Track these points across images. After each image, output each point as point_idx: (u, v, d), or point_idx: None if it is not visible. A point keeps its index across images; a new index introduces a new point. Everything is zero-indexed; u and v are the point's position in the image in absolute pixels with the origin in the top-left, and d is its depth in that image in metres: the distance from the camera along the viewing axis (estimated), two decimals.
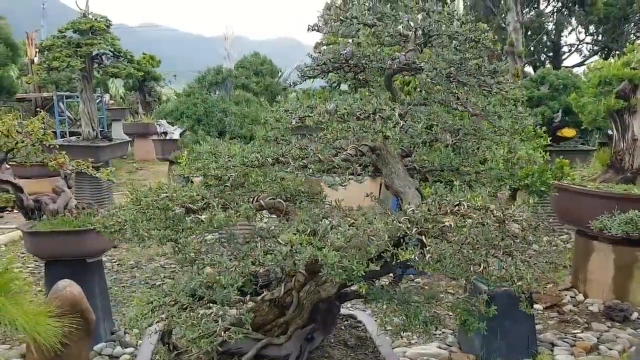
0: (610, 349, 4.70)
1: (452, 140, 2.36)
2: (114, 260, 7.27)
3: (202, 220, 2.17)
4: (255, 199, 2.50)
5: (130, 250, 7.49)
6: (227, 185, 2.40)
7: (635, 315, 5.33)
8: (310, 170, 2.28)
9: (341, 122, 2.25)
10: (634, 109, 5.85)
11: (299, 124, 2.30)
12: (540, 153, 3.17)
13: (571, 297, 5.85)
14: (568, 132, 9.15)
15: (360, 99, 2.45)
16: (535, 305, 5.43)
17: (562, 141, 9.08)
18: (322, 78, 2.62)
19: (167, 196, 2.23)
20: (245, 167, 2.27)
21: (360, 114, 2.24)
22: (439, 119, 2.26)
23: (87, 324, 3.82)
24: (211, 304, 2.26)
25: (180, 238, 2.17)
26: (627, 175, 5.77)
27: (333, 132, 2.53)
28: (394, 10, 2.46)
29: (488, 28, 2.41)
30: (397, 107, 2.30)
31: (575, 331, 5.09)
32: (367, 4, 2.46)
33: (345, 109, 2.23)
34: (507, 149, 2.34)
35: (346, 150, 2.39)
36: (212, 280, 2.02)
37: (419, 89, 2.35)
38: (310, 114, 2.28)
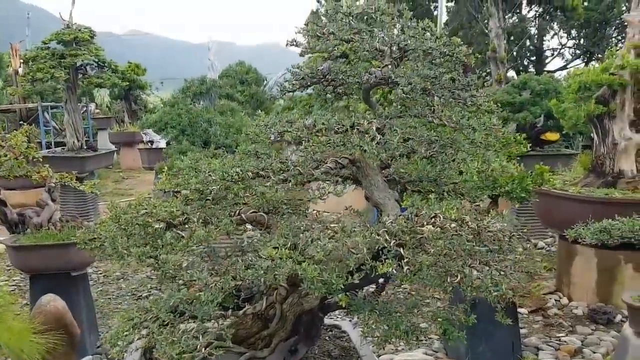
0: (594, 352, 4.76)
1: (429, 152, 2.39)
2: (99, 272, 7.24)
3: (182, 236, 2.18)
4: (236, 213, 2.51)
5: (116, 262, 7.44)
6: (208, 199, 2.42)
7: (618, 317, 5.40)
8: (290, 184, 2.30)
9: (320, 136, 2.28)
10: (614, 114, 5.95)
11: (278, 139, 2.33)
12: (514, 164, 3.21)
13: (556, 300, 5.91)
14: (551, 135, 9.25)
15: (339, 113, 2.48)
16: (520, 310, 5.48)
17: (545, 145, 9.18)
18: (301, 92, 2.65)
19: (146, 212, 2.24)
20: (226, 182, 2.29)
21: (338, 129, 2.27)
22: (415, 131, 2.30)
23: (71, 339, 3.81)
24: (192, 320, 2.27)
25: (160, 254, 2.18)
26: (608, 180, 5.86)
27: (313, 144, 2.55)
28: (370, 27, 2.50)
29: (462, 42, 2.46)
30: (375, 121, 2.33)
31: (560, 335, 5.15)
32: (344, 20, 2.49)
33: (323, 124, 2.26)
34: (481, 161, 2.38)
35: (326, 163, 2.42)
36: (192, 297, 2.03)
37: (394, 103, 2.39)
38: (289, 129, 2.31)
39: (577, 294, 5.86)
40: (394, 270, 2.01)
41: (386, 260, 2.07)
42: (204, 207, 2.37)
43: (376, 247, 2.16)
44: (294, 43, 2.54)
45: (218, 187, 2.43)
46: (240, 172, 2.28)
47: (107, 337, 2.17)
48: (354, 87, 2.57)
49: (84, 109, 13.78)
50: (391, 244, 2.13)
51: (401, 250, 2.11)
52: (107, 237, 2.22)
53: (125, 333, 2.16)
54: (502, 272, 2.11)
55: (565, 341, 5.00)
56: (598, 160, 6.01)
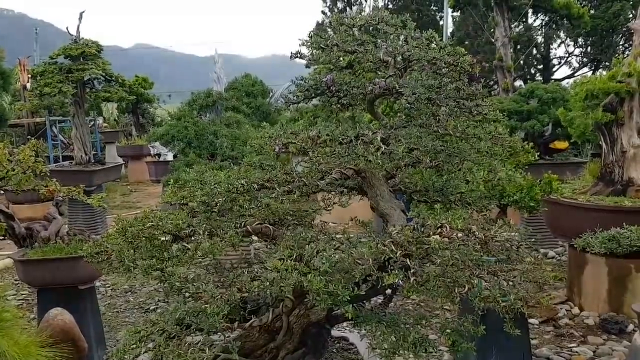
0: None
1: (434, 162, 2.38)
2: (107, 285, 7.24)
3: (187, 249, 2.18)
4: (242, 225, 2.51)
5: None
6: (214, 212, 2.42)
7: (630, 327, 5.32)
8: (295, 195, 2.29)
9: (324, 147, 2.28)
10: (622, 121, 5.91)
11: (282, 150, 2.33)
12: (521, 173, 3.19)
13: (567, 310, 5.84)
14: (560, 144, 9.20)
15: (345, 124, 2.47)
16: (530, 320, 5.42)
17: (554, 153, 9.13)
18: (306, 103, 2.65)
19: (152, 225, 2.24)
20: (231, 194, 2.29)
21: (342, 139, 2.26)
22: (420, 141, 2.29)
23: (78, 353, 3.80)
24: (199, 332, 2.26)
25: (166, 267, 2.18)
26: (617, 188, 5.81)
27: (318, 156, 2.55)
28: (374, 38, 2.50)
29: (468, 48, 2.45)
30: (380, 131, 2.33)
31: (571, 345, 5.08)
32: (348, 32, 2.50)
33: (327, 135, 2.26)
34: (487, 171, 2.37)
35: (331, 174, 2.41)
36: (198, 309, 2.02)
37: (399, 113, 2.39)
38: (293, 141, 2.31)
39: (588, 304, 5.79)
40: (400, 281, 1.99)
41: (392, 271, 2.06)
42: (210, 219, 2.37)
43: (382, 258, 2.15)
44: (298, 55, 2.54)
45: (224, 199, 2.43)
46: (246, 184, 2.28)
47: (114, 351, 2.16)
48: (358, 98, 2.57)
49: (92, 122, 13.88)
50: (397, 254, 2.11)
51: (407, 260, 2.09)
52: (113, 250, 2.23)
53: (132, 346, 2.15)
54: (510, 282, 2.08)
55: (576, 352, 4.93)
56: (607, 169, 5.96)
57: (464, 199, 2.59)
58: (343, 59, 2.58)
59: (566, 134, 8.02)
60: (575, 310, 5.83)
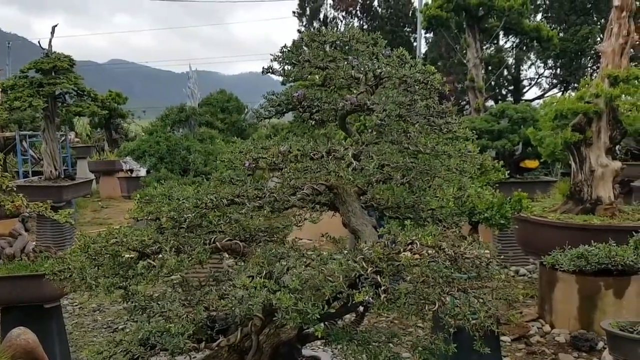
0: None
1: (405, 179, 2.38)
2: (75, 304, 7.06)
3: (153, 266, 2.12)
4: (211, 241, 2.46)
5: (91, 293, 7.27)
6: (182, 227, 2.37)
7: (600, 344, 5.37)
8: (266, 211, 2.26)
9: (295, 162, 2.26)
10: (590, 141, 6.04)
11: (252, 165, 2.30)
12: (490, 191, 3.22)
13: (538, 327, 5.87)
14: (531, 163, 9.36)
15: (318, 140, 2.46)
16: (502, 337, 5.44)
17: (525, 172, 9.28)
18: (278, 118, 2.63)
19: (116, 241, 2.18)
20: (200, 209, 2.25)
21: (313, 155, 2.25)
22: (391, 158, 2.29)
23: None
24: (164, 352, 2.19)
25: (129, 285, 2.12)
26: (586, 206, 5.91)
27: (290, 171, 2.53)
28: (346, 55, 2.51)
29: (439, 68, 2.47)
30: (351, 147, 2.32)
31: None
32: (319, 48, 2.50)
33: (298, 149, 2.24)
34: (456, 188, 2.37)
35: (303, 190, 2.39)
36: (163, 329, 1.96)
37: (370, 130, 2.39)
38: (264, 156, 2.28)
39: (559, 321, 5.84)
40: (370, 299, 1.97)
41: (363, 289, 2.04)
42: (178, 236, 2.32)
43: (353, 275, 2.12)
44: (270, 70, 2.53)
45: (193, 215, 2.38)
46: (215, 199, 2.24)
47: None
48: (330, 114, 2.57)
49: (63, 137, 13.64)
50: (368, 271, 2.09)
51: (378, 277, 2.07)
52: (75, 268, 2.16)
53: None
54: (480, 300, 2.08)
55: None
56: (576, 187, 6.07)
57: (434, 215, 2.59)
58: (317, 77, 2.58)
59: (536, 153, 8.17)
60: (547, 327, 5.87)
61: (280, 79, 2.75)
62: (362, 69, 2.45)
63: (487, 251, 2.24)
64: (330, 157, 2.23)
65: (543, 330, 5.83)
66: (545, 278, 6.09)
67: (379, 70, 2.43)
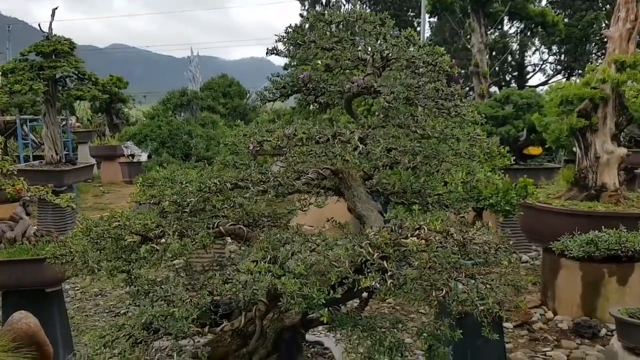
0: None
1: (412, 164, 2.33)
2: (77, 288, 7.06)
3: (156, 250, 2.09)
4: (214, 226, 2.42)
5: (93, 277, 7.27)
6: (185, 212, 2.33)
7: (603, 331, 5.37)
8: (270, 195, 2.22)
9: (300, 146, 2.21)
10: (596, 127, 5.97)
11: (257, 149, 2.26)
12: (499, 175, 3.17)
13: (541, 314, 5.87)
14: (534, 150, 9.30)
15: (320, 123, 2.42)
16: (505, 324, 5.43)
17: (528, 159, 9.22)
18: (282, 101, 2.58)
19: (119, 225, 2.15)
20: (204, 193, 2.21)
21: (319, 138, 2.20)
22: (398, 142, 2.24)
23: (43, 358, 3.65)
24: (168, 337, 2.17)
25: (132, 269, 2.08)
26: (591, 193, 5.86)
27: (294, 155, 2.49)
28: (352, 35, 2.45)
29: (445, 51, 2.42)
30: (357, 131, 2.27)
31: (546, 349, 5.10)
32: (325, 28, 2.44)
33: (304, 133, 2.19)
34: (465, 172, 2.33)
35: (307, 174, 2.35)
36: (166, 313, 1.93)
37: (377, 112, 2.34)
38: (268, 139, 2.24)
39: (562, 308, 5.83)
40: (377, 284, 1.94)
41: (369, 274, 2.00)
42: (181, 220, 2.28)
43: (359, 260, 2.09)
44: (275, 51, 2.48)
45: (196, 199, 2.34)
46: (219, 183, 2.20)
47: (77, 356, 2.06)
48: (335, 97, 2.51)
49: (64, 122, 13.57)
50: (374, 256, 2.05)
51: (385, 263, 2.04)
52: (77, 251, 2.12)
53: (96, 351, 2.05)
54: (488, 285, 2.04)
55: (550, 356, 4.94)
56: (581, 174, 6.02)
57: (441, 201, 2.55)
58: (320, 62, 2.52)
59: (540, 140, 8.10)
60: (549, 314, 5.86)
61: (283, 63, 2.70)
62: (369, 50, 2.39)
63: (493, 237, 2.20)
64: (336, 140, 2.19)
65: (545, 317, 5.83)
66: (548, 265, 6.07)
67: (386, 52, 2.37)
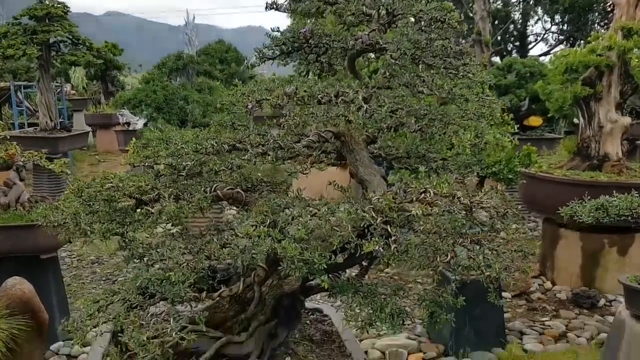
0: (579, 336, 4.70)
1: (418, 126, 2.24)
2: (73, 256, 7.01)
3: (151, 212, 2.01)
4: (212, 189, 2.34)
5: (90, 245, 7.24)
6: (181, 175, 2.24)
7: (602, 301, 5.36)
8: (270, 158, 2.13)
9: (301, 105, 2.11)
10: (600, 96, 5.86)
11: (256, 108, 2.16)
12: (508, 138, 3.09)
13: (539, 284, 5.85)
14: (535, 120, 9.19)
15: (323, 82, 2.31)
16: (503, 294, 5.41)
17: (529, 130, 9.12)
18: (281, 60, 2.47)
19: (112, 186, 2.06)
20: (200, 155, 2.12)
21: (321, 97, 2.10)
22: (404, 102, 2.14)
23: (39, 324, 3.62)
24: (164, 302, 2.11)
25: (126, 232, 2.01)
26: (593, 163, 5.78)
27: (295, 117, 2.39)
28: None
29: (454, 7, 2.30)
30: (361, 90, 2.18)
31: (544, 319, 5.09)
32: None
33: (305, 91, 2.09)
34: (474, 134, 2.24)
35: (308, 137, 2.26)
36: (162, 277, 1.86)
37: (382, 71, 2.23)
38: (267, 97, 2.13)
39: (561, 278, 5.81)
40: (380, 249, 1.87)
41: (372, 239, 1.93)
42: (177, 182, 2.19)
43: (362, 225, 2.01)
44: (274, 5, 2.36)
45: (192, 162, 2.26)
46: (216, 145, 2.11)
47: (70, 321, 2.00)
48: (338, 54, 2.40)
49: (59, 89, 13.36)
50: (377, 221, 1.98)
51: (388, 228, 1.97)
52: (68, 213, 2.04)
53: (90, 316, 1.99)
54: (494, 251, 1.98)
55: (549, 325, 4.93)
56: (583, 143, 5.93)
57: (445, 166, 2.46)
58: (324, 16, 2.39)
59: (542, 110, 8.00)
60: (548, 284, 5.84)
61: (282, 27, 2.57)
62: (375, 4, 2.28)
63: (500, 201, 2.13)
64: (339, 99, 2.09)
65: (544, 287, 5.81)
66: (548, 235, 6.03)
67: (393, 6, 2.26)
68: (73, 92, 18.13)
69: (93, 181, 2.12)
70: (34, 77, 11.57)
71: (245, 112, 2.15)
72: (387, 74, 2.21)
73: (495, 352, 4.35)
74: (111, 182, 2.06)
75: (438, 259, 1.97)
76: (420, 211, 1.85)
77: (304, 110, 2.24)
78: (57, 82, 12.80)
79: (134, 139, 2.36)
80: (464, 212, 1.88)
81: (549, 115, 7.17)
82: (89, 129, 13.44)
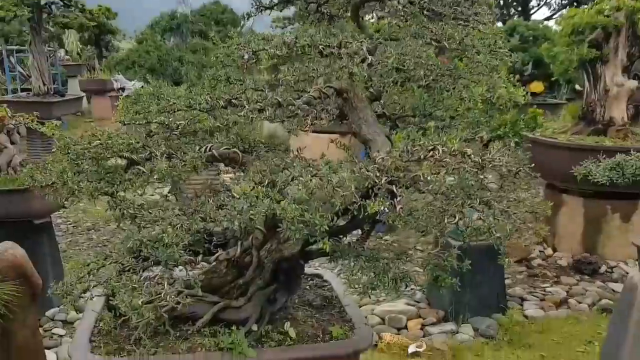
0: (580, 303, 4.67)
1: (425, 81, 2.11)
2: (69, 222, 6.94)
3: (142, 172, 1.90)
4: (207, 149, 2.22)
5: (86, 211, 7.16)
6: (174, 133, 2.12)
7: (603, 268, 5.32)
8: (268, 114, 2.01)
9: (302, 55, 1.98)
10: (606, 58, 5.71)
11: (253, 60, 2.02)
12: (522, 91, 2.96)
13: (540, 251, 5.80)
14: (536, 87, 9.04)
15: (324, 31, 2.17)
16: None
17: (530, 96, 8.98)
18: (280, 10, 2.33)
19: (100, 144, 1.95)
20: (193, 111, 1.99)
21: (323, 48, 1.97)
22: (413, 52, 2.01)
23: (32, 290, 3.53)
24: (158, 267, 2.02)
25: (116, 191, 1.90)
26: (598, 127, 5.67)
27: (294, 73, 2.26)
28: None
29: None
30: (366, 41, 2.04)
31: (545, 285, 5.05)
32: None
33: (305, 40, 1.96)
34: (486, 87, 2.11)
35: (309, 93, 2.13)
36: (154, 239, 1.77)
37: (388, 19, 2.09)
38: (265, 47, 2.00)
39: (562, 245, 5.76)
40: (386, 209, 1.76)
41: (377, 199, 1.83)
42: (169, 141, 2.07)
43: (366, 185, 1.91)
44: None
45: (186, 121, 2.13)
46: (210, 100, 1.98)
47: (59, 285, 1.91)
48: (341, 6, 2.26)
49: (52, 54, 13.08)
50: (382, 181, 1.87)
51: (394, 188, 1.86)
52: (54, 171, 1.93)
53: (79, 280, 1.89)
54: (505, 212, 1.88)
55: (550, 292, 4.89)
56: (588, 108, 5.80)
57: (453, 125, 2.34)
58: None
59: (545, 75, 7.85)
60: (549, 251, 5.80)
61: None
62: None
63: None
64: (342, 51, 1.96)
65: (545, 253, 5.77)
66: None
67: None
68: (67, 57, 17.80)
69: (80, 138, 2.01)
70: (27, 41, 11.30)
71: (241, 64, 2.02)
72: (394, 22, 2.07)
73: (496, 318, 4.31)
74: (99, 140, 1.95)
75: (445, 221, 1.87)
76: (429, 170, 1.74)
77: (304, 65, 2.10)
78: (50, 47, 12.51)
79: (122, 96, 2.23)
80: (475, 171, 1.77)
81: (553, 79, 7.01)
82: (83, 94, 13.20)
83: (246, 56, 1.99)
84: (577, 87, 9.44)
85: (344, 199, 1.89)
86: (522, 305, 4.66)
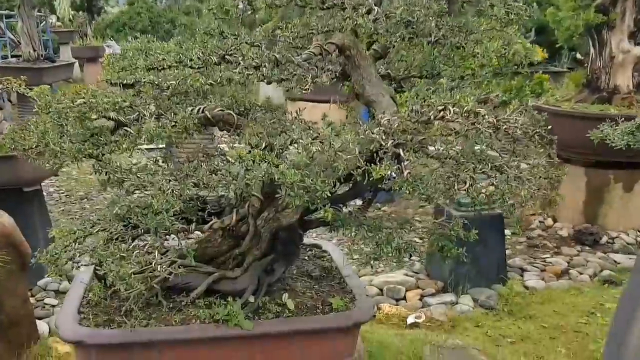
0: (581, 273, 4.60)
1: (435, 37, 1.96)
2: (61, 191, 6.82)
3: (129, 132, 1.76)
4: (199, 111, 2.08)
5: (79, 180, 7.03)
6: (164, 93, 1.98)
7: (605, 239, 5.25)
8: (265, 71, 1.87)
9: (303, 7, 1.83)
10: (613, 24, 5.53)
11: (249, 11, 1.87)
12: (539, 48, 2.80)
13: (540, 221, 5.72)
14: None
15: None
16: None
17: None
18: None
19: (84, 102, 1.80)
20: (184, 68, 1.85)
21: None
22: (422, 2, 1.86)
23: (21, 258, 3.43)
24: (150, 235, 1.89)
25: (102, 154, 1.77)
26: (603, 95, 5.52)
27: (293, 29, 2.11)
28: None
29: None
30: None
31: (545, 256, 4.98)
32: None
33: None
34: (500, 43, 1.97)
35: (309, 49, 1.99)
36: (142, 204, 1.64)
37: None
38: None
39: (563, 216, 5.68)
40: (393, 174, 1.64)
41: (383, 164, 1.70)
42: (158, 100, 1.93)
43: (370, 149, 1.78)
44: None
45: (177, 81, 1.98)
46: (202, 55, 1.83)
47: (43, 254, 1.79)
48: None
49: (43, 20, 12.72)
50: (388, 144, 1.74)
51: (400, 151, 1.73)
52: (34, 131, 1.79)
53: (64, 249, 1.77)
54: (519, 178, 1.76)
55: (550, 262, 4.83)
56: (593, 75, 5.64)
57: (461, 86, 2.20)
58: None
59: (547, 41, 7.66)
60: (549, 221, 5.71)
61: None
62: None
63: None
64: (346, 0, 1.81)
65: (545, 224, 5.69)
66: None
67: None
68: (59, 24, 17.38)
69: (62, 96, 1.86)
70: (16, 5, 10.97)
71: (237, 14, 1.87)
72: None
73: (496, 289, 4.24)
74: (83, 98, 1.80)
75: (456, 187, 1.75)
76: (441, 132, 1.61)
77: (303, 19, 1.95)
78: (41, 13, 12.16)
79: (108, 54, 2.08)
80: (490, 132, 1.64)
81: (556, 46, 6.82)
82: (75, 61, 12.89)
83: (241, 5, 1.84)
84: (579, 55, 9.26)
85: (347, 164, 1.76)
86: (522, 276, 4.60)
